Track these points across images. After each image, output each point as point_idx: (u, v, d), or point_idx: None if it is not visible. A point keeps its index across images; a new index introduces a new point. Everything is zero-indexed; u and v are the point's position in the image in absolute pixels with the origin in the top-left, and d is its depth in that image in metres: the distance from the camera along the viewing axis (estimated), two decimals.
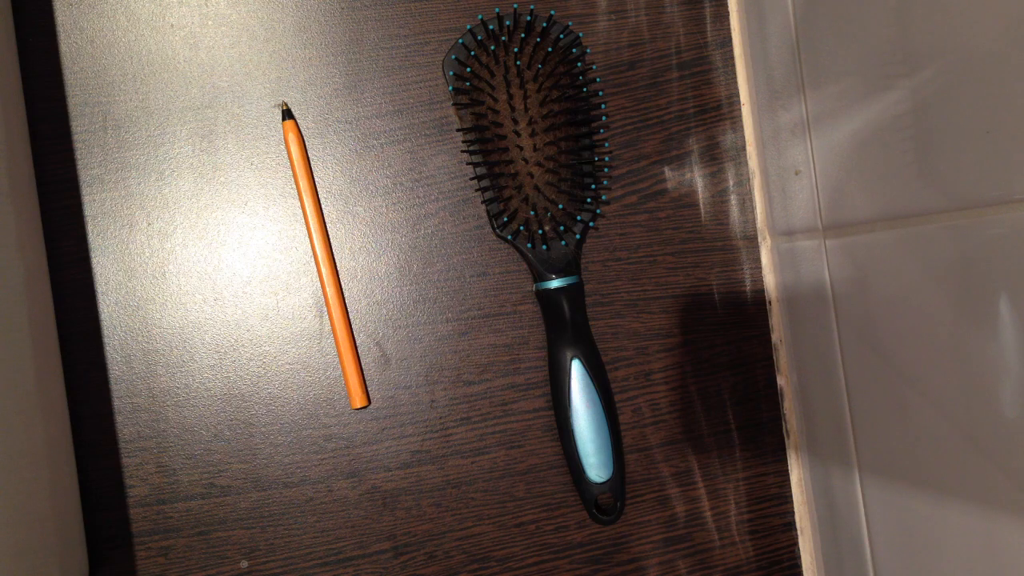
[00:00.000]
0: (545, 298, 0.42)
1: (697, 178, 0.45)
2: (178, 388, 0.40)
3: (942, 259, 0.32)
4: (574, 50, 0.41)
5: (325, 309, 0.41)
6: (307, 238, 0.41)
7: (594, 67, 0.44)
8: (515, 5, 0.40)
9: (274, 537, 0.41)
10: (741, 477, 0.45)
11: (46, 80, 0.40)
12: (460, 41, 0.41)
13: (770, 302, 0.46)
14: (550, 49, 0.40)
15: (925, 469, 0.34)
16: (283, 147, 0.41)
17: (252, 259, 0.41)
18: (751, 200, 0.46)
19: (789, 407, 0.45)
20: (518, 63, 0.39)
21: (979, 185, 0.29)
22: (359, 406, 0.41)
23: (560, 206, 0.40)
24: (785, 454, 0.46)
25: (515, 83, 0.39)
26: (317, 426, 0.41)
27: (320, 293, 0.41)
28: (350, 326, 0.41)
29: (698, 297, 0.45)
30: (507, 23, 0.40)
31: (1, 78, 0.36)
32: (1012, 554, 0.30)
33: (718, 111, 0.45)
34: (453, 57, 0.41)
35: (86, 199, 0.40)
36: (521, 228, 0.41)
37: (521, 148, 0.39)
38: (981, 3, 0.28)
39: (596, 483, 0.42)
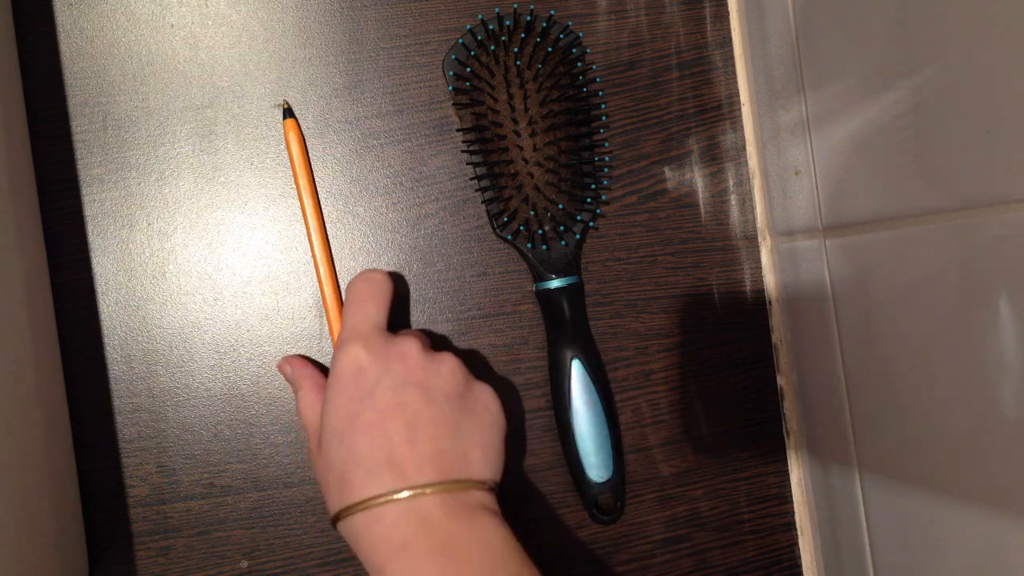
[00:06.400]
0: (545, 298, 0.42)
1: (697, 178, 0.45)
2: (178, 388, 0.40)
3: (942, 259, 0.32)
4: (574, 50, 0.41)
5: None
6: (307, 238, 0.41)
7: (594, 67, 0.44)
8: (515, 5, 0.40)
9: (274, 537, 0.41)
10: (741, 477, 0.45)
11: (46, 80, 0.40)
12: (460, 41, 0.41)
13: (770, 302, 0.46)
14: (550, 49, 0.40)
15: (925, 469, 0.34)
16: (283, 147, 0.41)
17: (252, 259, 0.41)
18: (751, 200, 0.46)
19: (789, 407, 0.45)
20: (518, 63, 0.39)
21: (979, 185, 0.29)
22: None
23: (560, 206, 0.40)
24: (785, 454, 0.46)
25: (515, 83, 0.39)
26: None
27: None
28: None
29: (698, 297, 0.45)
30: (507, 23, 0.40)
31: (1, 78, 0.36)
32: (1013, 554, 0.30)
33: (718, 111, 0.45)
34: (453, 57, 0.41)
35: (86, 199, 0.40)
36: (521, 228, 0.41)
37: (521, 148, 0.39)
38: (981, 3, 0.28)
39: (596, 483, 0.42)
